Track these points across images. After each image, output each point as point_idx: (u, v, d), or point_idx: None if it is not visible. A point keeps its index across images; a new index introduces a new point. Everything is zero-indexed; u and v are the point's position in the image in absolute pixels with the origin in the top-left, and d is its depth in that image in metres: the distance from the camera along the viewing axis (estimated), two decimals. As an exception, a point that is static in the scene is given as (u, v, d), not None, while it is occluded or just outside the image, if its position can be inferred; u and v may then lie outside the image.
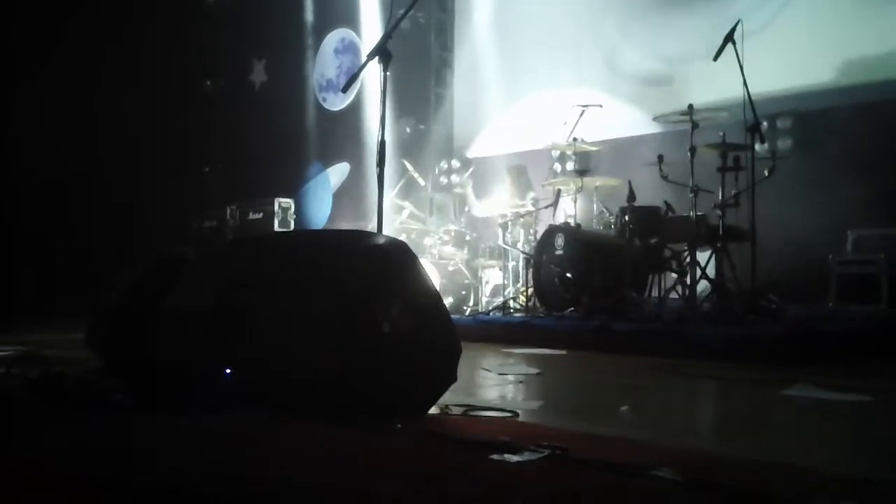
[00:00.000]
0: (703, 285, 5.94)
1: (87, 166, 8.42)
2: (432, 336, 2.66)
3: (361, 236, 3.05)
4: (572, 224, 6.57)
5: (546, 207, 6.97)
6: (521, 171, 8.15)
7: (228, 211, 9.34)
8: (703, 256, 6.03)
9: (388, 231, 8.53)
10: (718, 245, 5.92)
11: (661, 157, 5.97)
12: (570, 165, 8.02)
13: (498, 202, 7.85)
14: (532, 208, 7.24)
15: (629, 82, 8.90)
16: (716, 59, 5.68)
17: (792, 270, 6.78)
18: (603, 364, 4.88)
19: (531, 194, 7.57)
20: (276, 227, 8.89)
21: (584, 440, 2.41)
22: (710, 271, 5.93)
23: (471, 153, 10.00)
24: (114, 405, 2.91)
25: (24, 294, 7.91)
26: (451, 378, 2.74)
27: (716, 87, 6.55)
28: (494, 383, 3.88)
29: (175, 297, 2.80)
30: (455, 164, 9.37)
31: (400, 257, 2.59)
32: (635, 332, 5.43)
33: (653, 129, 7.43)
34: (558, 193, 6.81)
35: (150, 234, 8.08)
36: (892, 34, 7.11)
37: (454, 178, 9.18)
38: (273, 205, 9.02)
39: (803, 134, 7.62)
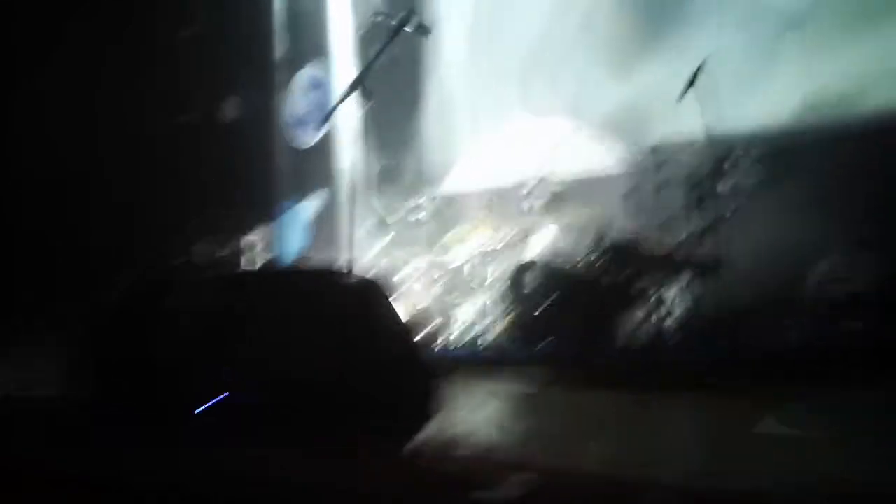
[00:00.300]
0: (674, 317, 5.99)
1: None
2: (405, 371, 2.63)
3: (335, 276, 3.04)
4: (543, 260, 6.59)
5: (518, 243, 6.99)
6: (492, 206, 8.18)
7: (197, 247, 9.22)
8: (673, 289, 6.09)
9: (361, 264, 8.58)
10: (690, 277, 5.99)
11: (632, 192, 6.05)
12: (538, 202, 8.06)
13: (469, 239, 7.87)
14: (501, 245, 7.25)
15: (599, 116, 8.98)
16: (679, 100, 5.80)
17: (763, 297, 6.81)
18: (578, 399, 4.87)
19: (502, 231, 7.59)
20: (244, 265, 8.81)
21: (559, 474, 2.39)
22: (683, 303, 5.99)
23: (442, 189, 9.98)
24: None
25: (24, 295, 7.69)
26: (424, 416, 2.71)
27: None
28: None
29: (174, 299, 2.79)
30: (425, 201, 9.34)
31: (373, 295, 2.57)
32: (609, 367, 5.45)
33: (623, 163, 7.50)
34: (528, 229, 6.83)
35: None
36: (856, 68, 7.25)
37: (422, 215, 9.16)
38: (239, 241, 8.94)
39: (768, 170, 7.73)
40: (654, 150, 6.03)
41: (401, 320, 2.73)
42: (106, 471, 1.90)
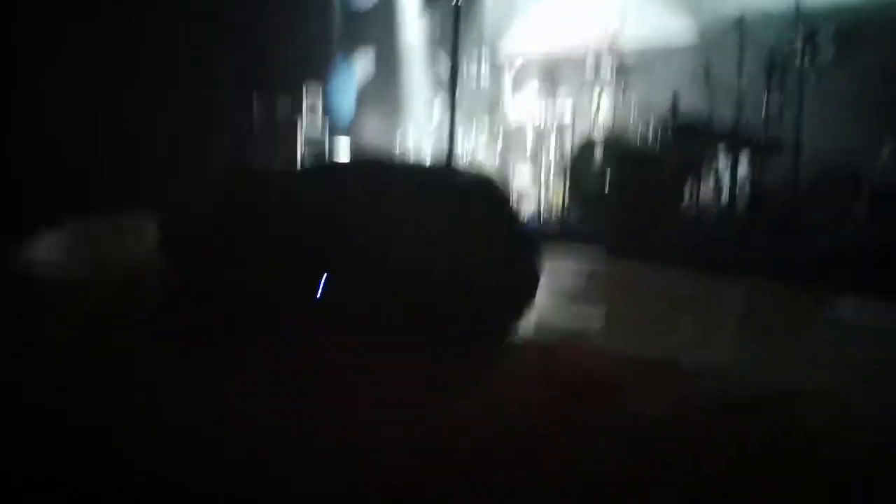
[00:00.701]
0: (741, 197, 6.02)
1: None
2: (520, 261, 2.76)
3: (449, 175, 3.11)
4: (610, 135, 6.56)
5: (583, 116, 6.92)
6: (555, 73, 8.05)
7: (254, 95, 9.17)
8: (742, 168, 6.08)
9: (424, 131, 8.59)
10: (757, 157, 5.97)
11: (706, 68, 5.94)
12: (605, 72, 7.90)
13: (530, 106, 7.76)
14: (569, 116, 7.18)
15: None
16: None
17: (824, 181, 6.78)
18: (645, 278, 4.98)
19: (565, 101, 7.51)
20: (304, 115, 8.83)
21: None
22: (747, 183, 6.00)
23: (503, 49, 9.77)
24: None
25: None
26: (531, 302, 2.86)
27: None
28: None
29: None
30: (490, 57, 9.17)
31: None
32: (676, 245, 5.51)
33: (694, 36, 7.31)
34: (598, 102, 6.76)
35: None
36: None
37: (486, 73, 9.00)
38: (301, 90, 8.92)
39: (845, 44, 7.47)
40: (735, 23, 5.84)
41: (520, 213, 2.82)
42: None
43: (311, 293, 2.82)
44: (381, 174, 2.89)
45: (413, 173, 3.00)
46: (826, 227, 5.87)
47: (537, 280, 2.78)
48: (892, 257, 5.05)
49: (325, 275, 2.78)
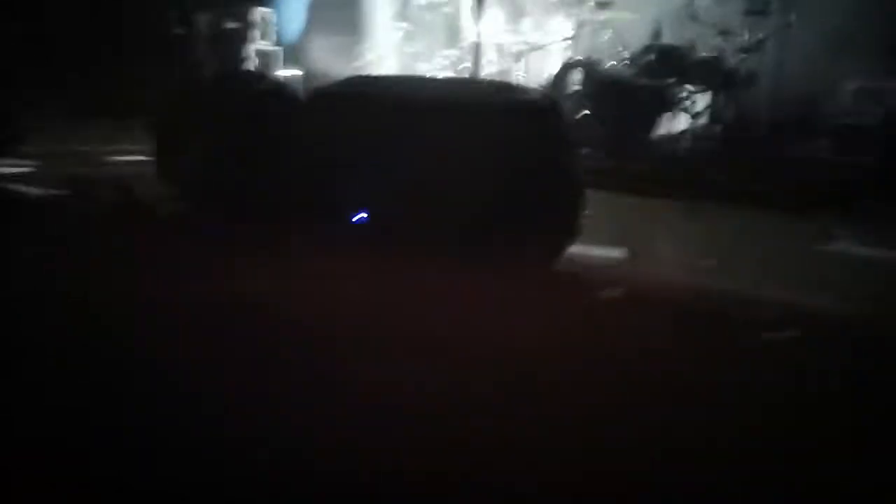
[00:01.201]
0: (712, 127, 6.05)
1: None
2: (572, 187, 2.67)
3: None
4: (590, 60, 6.44)
5: (562, 40, 6.75)
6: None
7: (201, 19, 8.72)
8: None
9: (387, 56, 8.25)
10: (733, 88, 5.99)
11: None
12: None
13: (496, 29, 7.54)
14: (545, 40, 6.99)
15: None
16: None
17: (791, 116, 6.88)
18: (636, 206, 4.97)
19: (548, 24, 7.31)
20: (257, 39, 8.44)
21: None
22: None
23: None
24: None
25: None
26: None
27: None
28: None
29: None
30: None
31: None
32: (654, 173, 5.51)
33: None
34: (577, 27, 6.62)
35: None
36: None
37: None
38: (251, 13, 8.49)
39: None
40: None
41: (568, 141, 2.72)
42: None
43: (353, 208, 2.70)
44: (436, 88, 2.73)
45: (474, 88, 2.85)
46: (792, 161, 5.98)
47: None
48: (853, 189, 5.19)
49: (372, 191, 2.66)
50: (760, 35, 5.85)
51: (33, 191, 3.88)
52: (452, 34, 8.18)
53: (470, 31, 8.23)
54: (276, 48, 8.62)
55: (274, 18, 8.68)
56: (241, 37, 8.43)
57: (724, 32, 5.84)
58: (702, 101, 6.07)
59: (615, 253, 3.27)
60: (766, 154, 5.86)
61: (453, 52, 7.77)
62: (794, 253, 3.78)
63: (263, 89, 3.11)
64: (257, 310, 2.15)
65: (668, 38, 6.16)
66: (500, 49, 7.44)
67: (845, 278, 3.27)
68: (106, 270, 2.54)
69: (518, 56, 7.05)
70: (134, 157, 5.27)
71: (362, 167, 2.63)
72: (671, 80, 6.11)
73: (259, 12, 8.51)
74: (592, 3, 6.60)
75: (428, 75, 7.25)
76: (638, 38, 6.33)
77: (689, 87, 6.16)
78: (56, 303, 2.30)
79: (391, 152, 2.59)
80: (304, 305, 2.20)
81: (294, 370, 1.95)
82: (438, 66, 7.64)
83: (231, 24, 8.52)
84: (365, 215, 2.67)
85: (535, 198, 2.51)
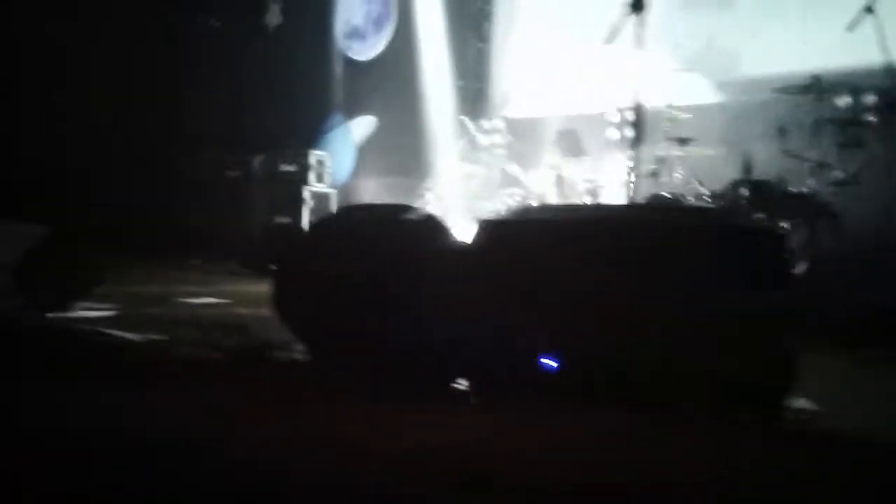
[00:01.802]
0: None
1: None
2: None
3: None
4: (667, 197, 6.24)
5: (650, 175, 6.46)
6: (573, 135, 7.81)
7: (256, 161, 8.68)
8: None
9: (449, 195, 8.12)
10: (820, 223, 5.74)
11: (782, 129, 5.74)
12: (628, 132, 7.62)
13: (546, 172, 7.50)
14: (612, 178, 6.85)
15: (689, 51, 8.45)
16: (851, 29, 5.43)
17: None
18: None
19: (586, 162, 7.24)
20: (313, 181, 8.35)
21: None
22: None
23: (510, 113, 9.41)
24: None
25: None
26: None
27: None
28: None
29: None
30: (496, 123, 8.86)
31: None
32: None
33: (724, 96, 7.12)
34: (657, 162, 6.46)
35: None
36: None
37: (494, 139, 8.68)
38: (307, 157, 8.44)
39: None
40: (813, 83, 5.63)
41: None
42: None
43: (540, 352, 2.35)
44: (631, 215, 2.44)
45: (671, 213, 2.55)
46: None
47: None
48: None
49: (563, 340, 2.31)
50: (855, 168, 5.65)
51: (128, 336, 3.57)
52: (507, 175, 8.08)
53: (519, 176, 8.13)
54: (332, 190, 8.53)
55: (329, 161, 8.63)
56: (296, 179, 8.34)
57: (820, 165, 5.64)
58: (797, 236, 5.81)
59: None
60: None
61: (516, 191, 7.65)
62: None
63: (412, 221, 2.79)
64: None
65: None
66: (570, 185, 7.33)
67: None
68: (229, 418, 2.30)
69: (592, 192, 6.88)
70: (214, 299, 5.02)
71: (552, 304, 2.29)
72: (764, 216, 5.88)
73: (315, 155, 8.46)
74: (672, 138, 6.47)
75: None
76: (714, 173, 6.15)
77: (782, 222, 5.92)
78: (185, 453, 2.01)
79: (590, 286, 2.26)
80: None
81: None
82: (501, 203, 7.49)
83: (286, 167, 8.45)
84: (554, 362, 2.32)
85: (763, 342, 2.16)
